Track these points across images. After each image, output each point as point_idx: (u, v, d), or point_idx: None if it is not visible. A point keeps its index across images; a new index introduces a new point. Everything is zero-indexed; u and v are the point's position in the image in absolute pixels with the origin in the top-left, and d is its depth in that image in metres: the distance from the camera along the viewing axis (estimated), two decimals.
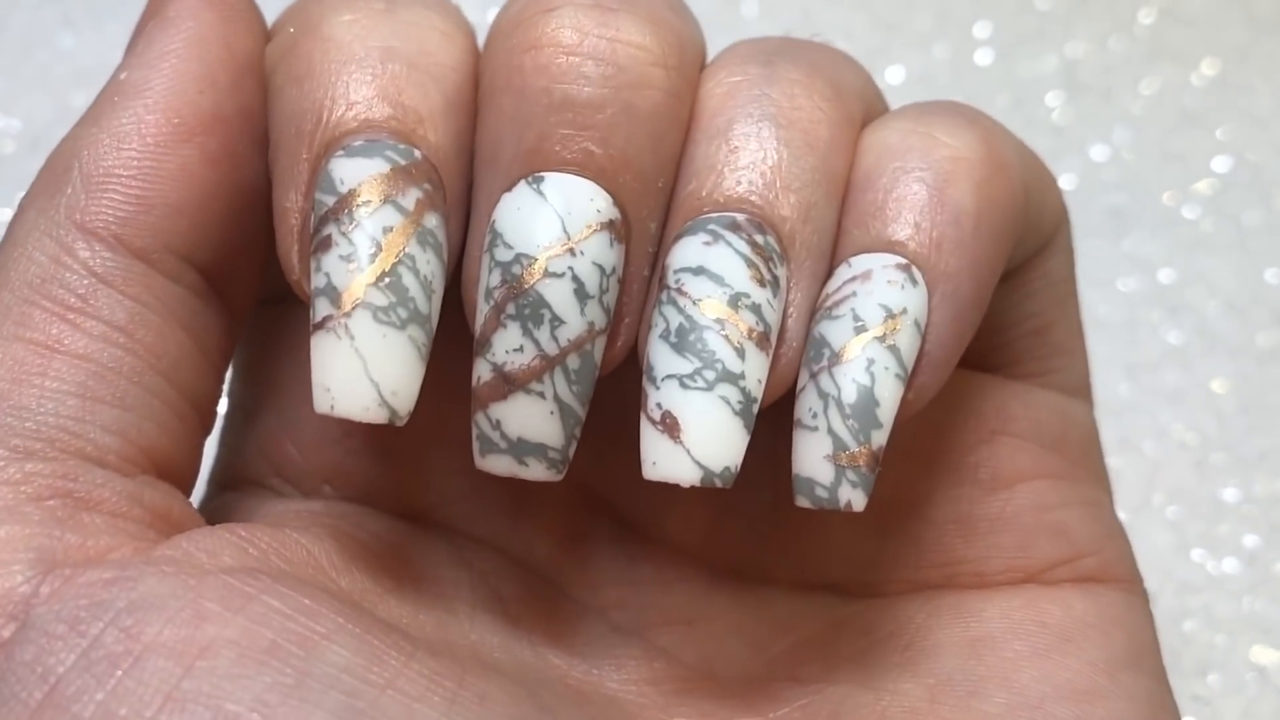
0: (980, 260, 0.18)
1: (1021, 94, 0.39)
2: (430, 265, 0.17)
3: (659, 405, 0.17)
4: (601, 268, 0.17)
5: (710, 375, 0.17)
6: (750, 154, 0.18)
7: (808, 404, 0.18)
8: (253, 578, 0.16)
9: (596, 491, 0.21)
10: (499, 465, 0.17)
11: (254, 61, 0.19)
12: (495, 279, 0.17)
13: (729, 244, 0.17)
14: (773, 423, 0.19)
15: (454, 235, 0.18)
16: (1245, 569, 0.32)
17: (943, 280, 0.18)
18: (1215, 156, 0.38)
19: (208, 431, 0.19)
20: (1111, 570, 0.20)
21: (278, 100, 0.18)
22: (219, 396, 0.20)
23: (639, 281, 0.18)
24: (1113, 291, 0.36)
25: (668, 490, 0.20)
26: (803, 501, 0.18)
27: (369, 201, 0.17)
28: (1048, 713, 0.19)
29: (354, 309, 0.17)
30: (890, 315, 0.17)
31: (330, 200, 0.17)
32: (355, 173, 0.17)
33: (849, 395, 0.17)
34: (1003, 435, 0.20)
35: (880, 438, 0.17)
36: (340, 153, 0.17)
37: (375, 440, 0.20)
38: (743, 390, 0.17)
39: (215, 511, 0.20)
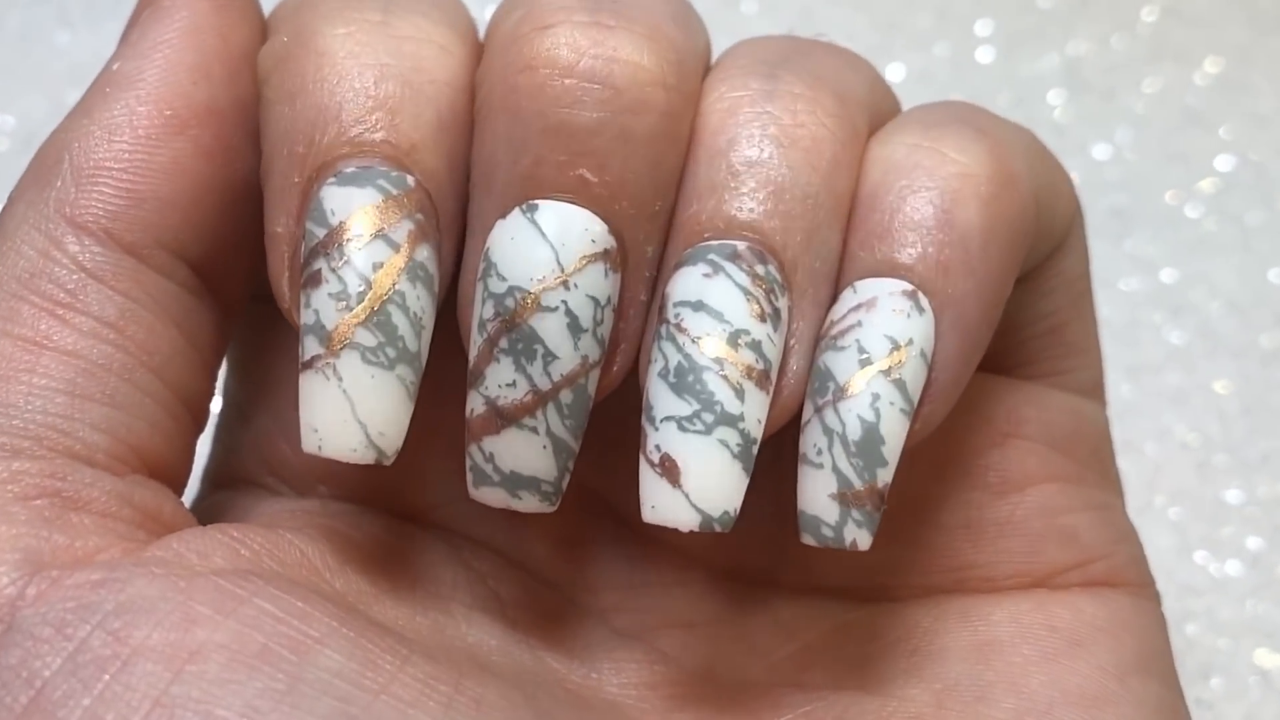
0: (988, 281, 0.18)
1: (1023, 92, 0.39)
2: (420, 301, 0.17)
3: (658, 447, 0.17)
4: (596, 299, 0.17)
5: (709, 418, 0.17)
6: (752, 176, 0.17)
7: (812, 439, 0.17)
8: (245, 580, 0.16)
9: (597, 493, 0.20)
10: (493, 497, 0.17)
11: (249, 53, 0.18)
12: (489, 310, 0.17)
13: (729, 276, 0.17)
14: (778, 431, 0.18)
15: (447, 258, 0.18)
16: (1248, 571, 0.32)
17: (950, 305, 0.18)
18: (1218, 156, 0.38)
19: (200, 429, 0.19)
20: (1122, 574, 0.20)
21: (270, 116, 0.18)
22: (211, 394, 0.19)
23: (636, 307, 0.18)
24: (1115, 292, 0.36)
25: None
26: (808, 539, 0.17)
27: (359, 235, 0.17)
28: (1056, 718, 0.18)
29: (342, 350, 0.17)
30: (896, 347, 0.17)
31: (321, 232, 0.17)
32: (346, 203, 0.17)
33: (854, 432, 0.17)
34: (1014, 438, 0.20)
35: (886, 475, 0.17)
36: (332, 180, 0.17)
37: None
38: (742, 432, 0.17)
39: (209, 510, 0.20)
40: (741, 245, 0.17)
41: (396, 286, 0.17)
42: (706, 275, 0.17)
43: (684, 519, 0.17)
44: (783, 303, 0.17)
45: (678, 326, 0.17)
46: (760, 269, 0.17)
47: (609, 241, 0.17)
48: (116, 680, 0.15)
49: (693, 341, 0.17)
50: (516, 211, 0.17)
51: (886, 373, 0.17)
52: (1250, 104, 0.39)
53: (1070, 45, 0.40)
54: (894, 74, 0.39)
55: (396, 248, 0.17)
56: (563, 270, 0.17)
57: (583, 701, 0.19)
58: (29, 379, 0.17)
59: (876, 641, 0.20)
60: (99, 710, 0.15)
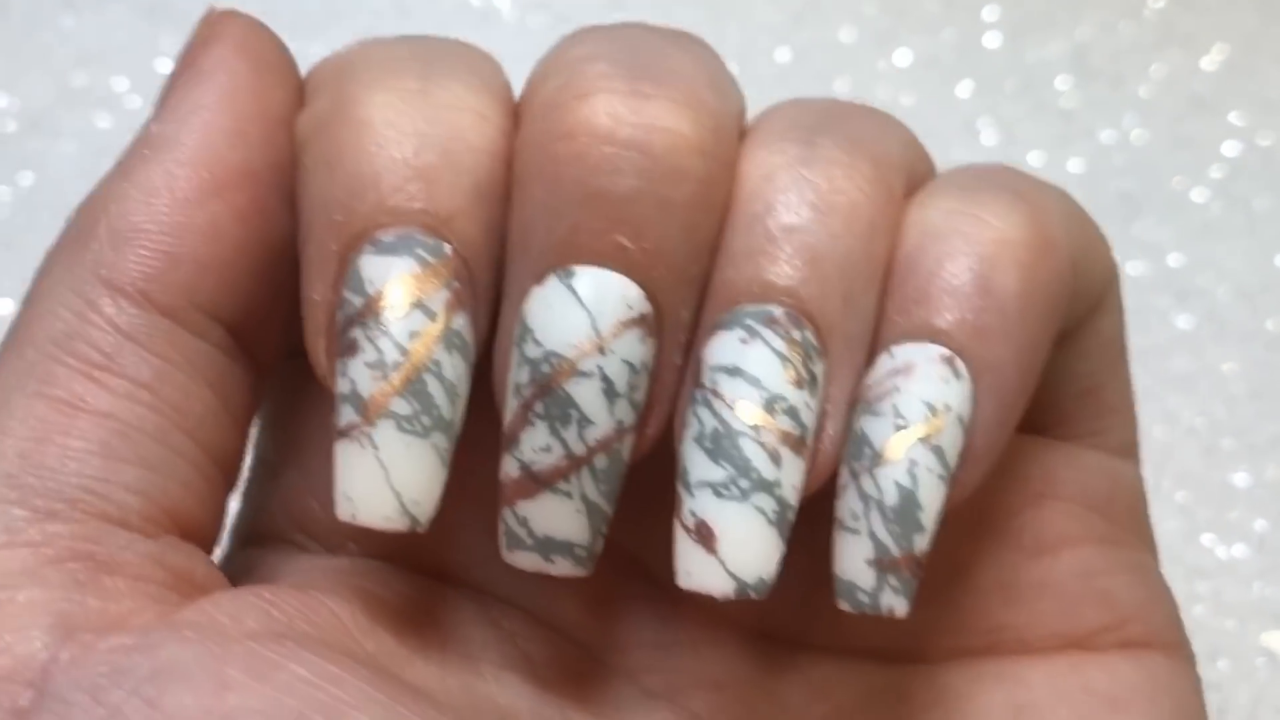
0: (1025, 348, 0.18)
1: (1030, 78, 0.39)
2: (456, 369, 0.17)
3: (693, 513, 0.17)
4: (631, 365, 0.17)
5: (745, 484, 0.17)
6: (789, 242, 0.17)
7: (849, 505, 0.17)
8: (278, 644, 0.16)
9: (628, 551, 0.20)
10: (526, 561, 0.17)
11: (286, 115, 0.18)
12: (524, 376, 0.17)
13: (765, 342, 0.17)
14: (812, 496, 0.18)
15: (482, 324, 0.18)
16: (1255, 554, 0.32)
17: (988, 372, 0.17)
18: (1225, 141, 0.38)
19: (231, 488, 0.19)
20: (1158, 636, 0.20)
21: (308, 183, 0.18)
22: (243, 454, 0.19)
23: (671, 371, 0.18)
24: (1122, 277, 0.36)
25: None
26: (844, 605, 0.17)
27: (396, 305, 0.17)
28: None
29: (378, 419, 0.17)
30: (934, 413, 0.17)
31: (358, 301, 0.17)
32: (384, 272, 0.17)
33: (891, 499, 0.17)
34: (1048, 499, 0.20)
35: (923, 542, 0.17)
36: (369, 249, 0.17)
37: None
38: (778, 499, 0.17)
39: (238, 568, 0.20)
40: (778, 310, 0.17)
41: (433, 356, 0.17)
42: (743, 341, 0.17)
43: (719, 586, 0.17)
44: (819, 368, 0.17)
45: (714, 392, 0.17)
46: (796, 334, 0.17)
47: (645, 307, 0.17)
48: None
49: (729, 407, 0.17)
50: (553, 277, 0.17)
51: (925, 439, 0.17)
52: (1257, 90, 0.39)
53: (1078, 31, 0.40)
54: (901, 59, 0.39)
55: (433, 317, 0.17)
56: (599, 336, 0.17)
57: None
58: (64, 441, 0.17)
59: (910, 703, 0.20)
60: None
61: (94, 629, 0.16)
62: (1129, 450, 0.21)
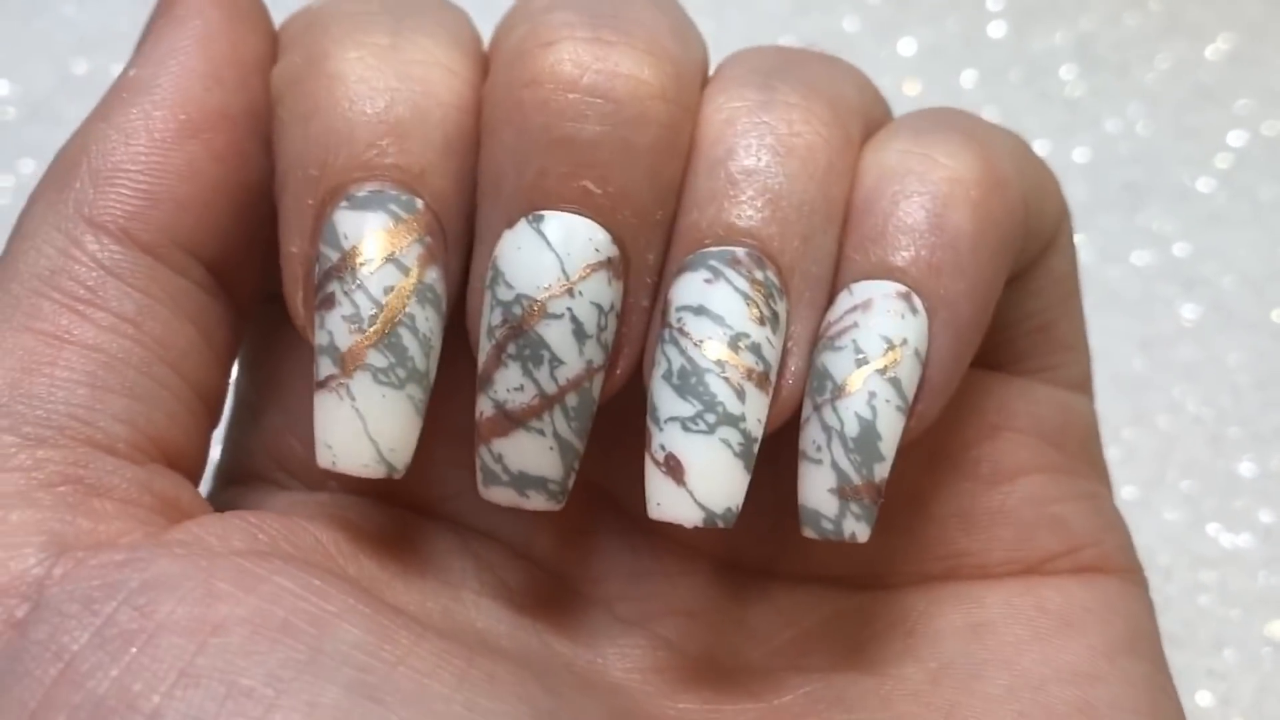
0: (979, 283, 0.18)
1: (1035, 67, 0.39)
2: (429, 322, 0.18)
3: (663, 447, 0.18)
4: (600, 306, 0.18)
5: (711, 418, 0.17)
6: (749, 185, 0.18)
7: (811, 436, 0.18)
8: (263, 559, 0.16)
9: (600, 484, 0.21)
10: (502, 496, 0.18)
11: (260, 59, 0.19)
12: (497, 317, 0.18)
13: (729, 281, 0.18)
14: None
15: (454, 273, 0.18)
16: (1260, 544, 0.32)
17: (942, 306, 0.18)
18: (1231, 131, 0.38)
19: (214, 424, 0.20)
20: (1111, 561, 0.21)
21: (283, 136, 0.18)
22: (225, 390, 0.20)
23: (638, 312, 0.18)
24: (1127, 266, 0.36)
25: None
26: (809, 532, 0.18)
27: (371, 260, 0.17)
28: (1049, 694, 0.19)
29: (355, 370, 0.17)
30: (891, 346, 0.18)
31: (334, 256, 0.18)
32: (358, 227, 0.17)
33: (851, 429, 0.18)
34: (1004, 430, 0.21)
35: (882, 470, 0.18)
36: (344, 204, 0.18)
37: None
38: (743, 432, 0.18)
39: (221, 506, 0.20)
40: (741, 251, 0.18)
41: (407, 309, 0.17)
42: (707, 281, 0.18)
43: (688, 516, 0.17)
44: (781, 306, 0.18)
45: (680, 330, 0.18)
46: (759, 274, 0.18)
47: (612, 250, 0.18)
48: (143, 653, 0.15)
49: (695, 345, 0.18)
50: (523, 222, 0.18)
51: (882, 371, 0.18)
52: (1263, 79, 0.39)
53: (1082, 20, 0.40)
54: (906, 48, 0.39)
55: (406, 271, 0.18)
56: (568, 278, 0.17)
57: (589, 683, 0.19)
58: (51, 372, 0.17)
59: (873, 625, 0.20)
60: (127, 681, 0.15)
61: (85, 547, 0.16)
62: (1082, 385, 0.22)
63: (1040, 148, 0.38)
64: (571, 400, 0.18)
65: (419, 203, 0.18)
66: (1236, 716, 0.30)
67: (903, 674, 0.20)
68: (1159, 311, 0.35)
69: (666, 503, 0.17)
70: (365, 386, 0.17)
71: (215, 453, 0.20)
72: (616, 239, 0.18)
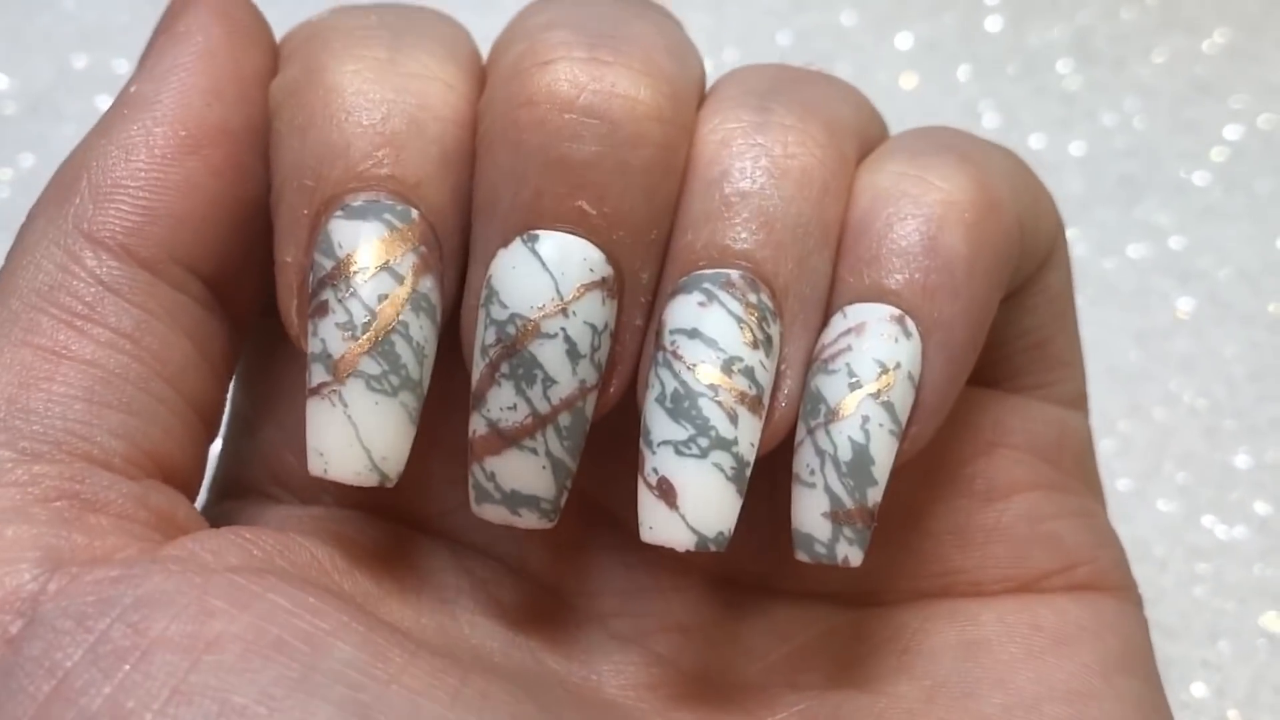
0: (973, 305, 0.18)
1: (1032, 62, 0.39)
2: (423, 330, 0.18)
3: (655, 470, 0.18)
4: (593, 326, 0.18)
5: (704, 442, 0.17)
6: (745, 207, 0.18)
7: (805, 460, 0.18)
8: (258, 576, 0.16)
9: (594, 499, 0.21)
10: (494, 514, 0.18)
11: (261, 76, 0.19)
12: (491, 336, 0.18)
13: (723, 305, 0.18)
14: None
15: (449, 286, 0.18)
16: (1256, 536, 0.32)
17: (936, 329, 0.18)
18: (1227, 125, 0.38)
19: (212, 438, 0.20)
20: (1105, 579, 0.21)
21: (280, 147, 0.18)
22: (223, 405, 0.20)
23: (632, 332, 0.18)
24: (1123, 259, 0.36)
25: None
26: (802, 556, 0.18)
27: (365, 268, 0.17)
28: (1043, 713, 0.19)
29: (348, 378, 0.17)
30: (884, 370, 0.18)
31: (328, 264, 0.18)
32: (353, 236, 0.17)
33: (845, 454, 0.18)
34: (999, 448, 0.21)
35: (875, 495, 0.18)
36: (339, 213, 0.18)
37: None
38: (736, 456, 0.18)
39: (216, 519, 0.20)
40: (735, 274, 0.18)
41: (400, 317, 0.17)
42: (701, 304, 0.18)
43: (680, 540, 0.17)
44: (774, 329, 0.18)
45: (674, 354, 0.18)
46: (753, 297, 0.18)
47: (606, 270, 0.18)
48: (136, 669, 0.15)
49: (688, 369, 0.18)
50: (518, 241, 0.18)
51: (876, 395, 0.18)
52: (1259, 73, 0.39)
53: (1079, 14, 0.40)
54: (902, 43, 0.39)
55: (401, 280, 0.17)
56: (562, 298, 0.18)
57: (583, 701, 0.19)
58: (49, 387, 0.17)
59: (868, 642, 0.20)
60: (120, 698, 0.15)
61: (80, 562, 0.16)
62: (1077, 402, 0.22)
63: (1037, 141, 0.38)
64: (564, 420, 0.18)
65: (414, 213, 0.18)
66: (1231, 708, 0.30)
67: (897, 692, 0.20)
68: (1155, 304, 0.35)
69: (659, 526, 0.17)
70: (358, 394, 0.17)
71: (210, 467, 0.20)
72: (611, 259, 0.18)
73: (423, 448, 0.18)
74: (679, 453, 0.17)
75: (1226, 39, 0.39)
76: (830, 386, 0.18)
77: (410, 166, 0.18)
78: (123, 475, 0.17)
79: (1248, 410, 0.34)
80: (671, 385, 0.18)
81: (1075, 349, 0.22)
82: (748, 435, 0.18)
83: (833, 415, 0.18)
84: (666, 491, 0.17)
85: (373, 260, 0.17)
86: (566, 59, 0.18)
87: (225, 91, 0.19)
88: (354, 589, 0.18)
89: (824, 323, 0.18)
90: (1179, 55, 0.39)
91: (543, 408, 0.18)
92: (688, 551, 0.17)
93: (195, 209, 0.18)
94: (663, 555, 0.20)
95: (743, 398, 0.18)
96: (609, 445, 0.19)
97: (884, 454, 0.18)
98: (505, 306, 0.18)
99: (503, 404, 0.18)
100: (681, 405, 0.18)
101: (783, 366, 0.18)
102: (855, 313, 0.18)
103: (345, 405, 0.17)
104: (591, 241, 0.18)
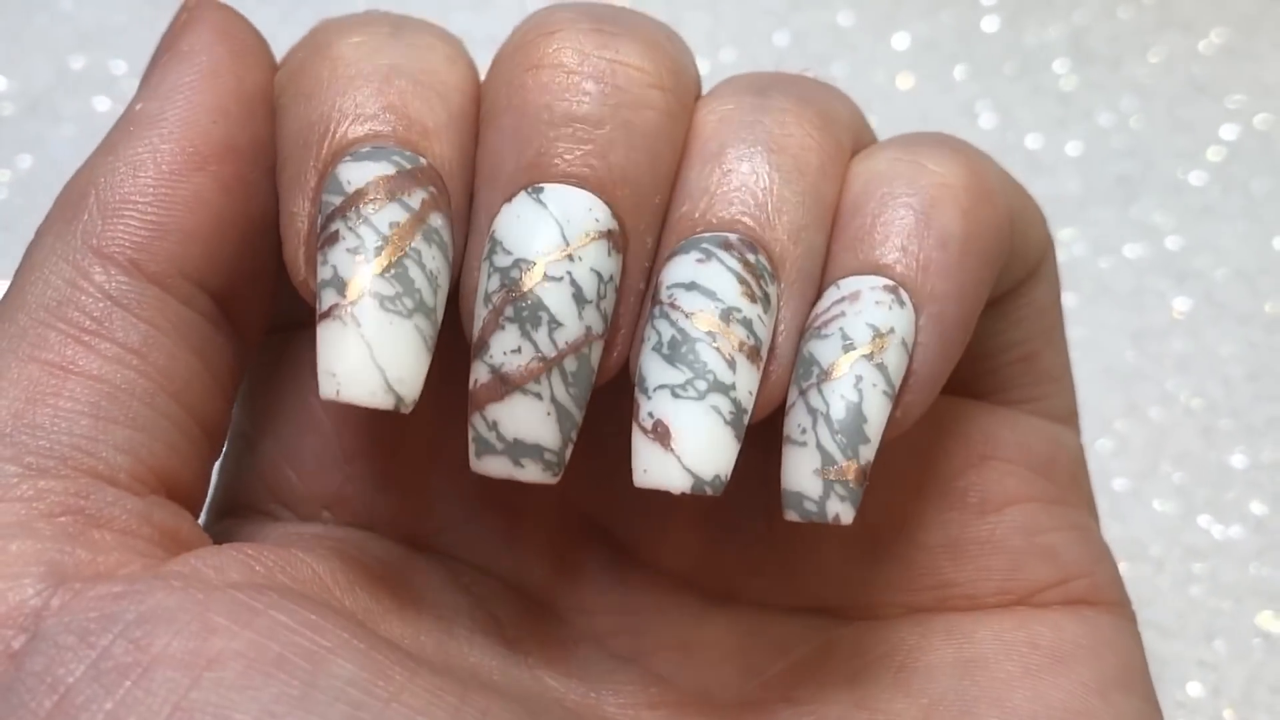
0: (966, 283, 0.18)
1: (1028, 61, 0.39)
2: (435, 261, 0.17)
3: (650, 414, 0.17)
4: (599, 274, 0.17)
5: (702, 385, 0.17)
6: (742, 177, 0.18)
7: (797, 420, 0.18)
8: (259, 593, 0.16)
9: (591, 517, 0.21)
10: (495, 466, 0.17)
11: (264, 93, 0.19)
12: (494, 284, 0.17)
13: (721, 261, 0.18)
14: (764, 447, 0.19)
15: (455, 244, 0.18)
16: (1252, 535, 0.32)
17: (929, 302, 0.18)
18: (1223, 124, 0.38)
19: (216, 454, 0.20)
20: (1101, 593, 0.21)
21: (286, 117, 0.18)
22: (228, 421, 0.20)
23: (635, 294, 0.18)
24: (1120, 258, 0.36)
25: (663, 515, 0.21)
26: (791, 515, 0.18)
27: (376, 199, 0.17)
28: None
29: (360, 297, 0.17)
30: (878, 334, 0.18)
31: (337, 200, 0.17)
32: (362, 174, 0.17)
33: (837, 411, 0.17)
34: (991, 460, 0.21)
35: (868, 453, 0.18)
36: (347, 159, 0.18)
37: (373, 466, 0.20)
38: (733, 400, 0.17)
39: (216, 537, 0.20)
40: (733, 236, 0.18)
41: (413, 244, 0.17)
42: (699, 260, 0.18)
43: (675, 481, 0.17)
44: (772, 289, 0.18)
45: (671, 305, 0.18)
46: (751, 257, 0.18)
47: (612, 223, 0.18)
48: (138, 686, 0.15)
49: (686, 317, 0.17)
50: (522, 194, 0.18)
51: (869, 357, 0.18)
52: (1255, 73, 0.39)
53: (1076, 14, 0.40)
54: (899, 42, 0.39)
55: (412, 210, 0.17)
56: (568, 244, 0.17)
57: (582, 719, 0.19)
58: (55, 402, 0.17)
59: (864, 657, 0.20)
60: (120, 714, 0.15)
61: (84, 578, 0.16)
62: (1068, 417, 0.22)
63: (1033, 141, 0.38)
64: (570, 365, 0.17)
65: (423, 160, 0.18)
66: (1227, 707, 0.30)
67: (893, 709, 0.20)
68: (1151, 304, 0.35)
69: (653, 468, 0.17)
70: (371, 312, 0.17)
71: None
72: (616, 215, 0.18)
73: (418, 462, 0.18)
74: (675, 395, 0.17)
75: (1223, 39, 0.39)
76: (823, 350, 0.18)
77: (416, 119, 0.18)
78: (127, 491, 0.17)
79: (1244, 410, 0.34)
80: (669, 333, 0.17)
81: (1064, 365, 0.22)
82: (746, 383, 0.17)
83: (825, 375, 0.18)
84: (661, 433, 0.17)
85: (383, 192, 0.17)
86: (572, 29, 0.18)
87: (230, 109, 0.19)
88: (355, 606, 0.18)
89: (818, 296, 0.18)
90: (1175, 55, 0.39)
91: (548, 350, 0.17)
92: (683, 494, 0.17)
93: (203, 224, 0.18)
94: (659, 574, 0.21)
95: (741, 346, 0.17)
96: (606, 460, 0.19)
97: (877, 414, 0.18)
98: (509, 253, 0.17)
99: (506, 347, 0.17)
100: (679, 350, 0.17)
101: (779, 329, 0.18)
102: (849, 284, 0.18)
103: (358, 324, 0.17)
104: (597, 195, 0.18)
